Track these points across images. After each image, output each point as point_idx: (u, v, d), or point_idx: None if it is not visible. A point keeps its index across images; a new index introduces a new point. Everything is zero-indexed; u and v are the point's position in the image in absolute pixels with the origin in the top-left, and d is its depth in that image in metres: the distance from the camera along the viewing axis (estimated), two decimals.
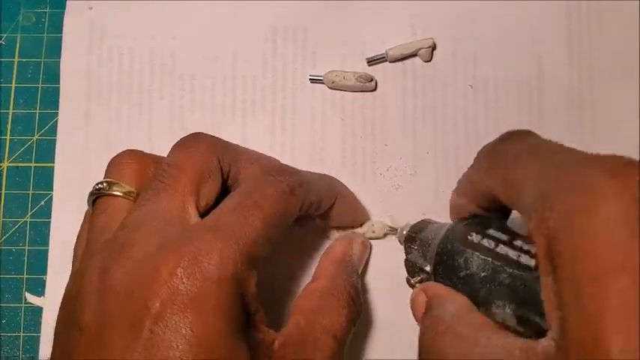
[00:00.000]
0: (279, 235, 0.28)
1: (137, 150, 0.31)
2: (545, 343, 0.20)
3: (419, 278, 0.30)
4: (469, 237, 0.27)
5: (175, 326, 0.23)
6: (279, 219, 0.28)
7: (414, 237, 0.32)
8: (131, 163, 0.30)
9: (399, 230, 0.34)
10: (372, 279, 0.36)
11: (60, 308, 0.27)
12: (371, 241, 0.36)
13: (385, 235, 0.36)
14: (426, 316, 0.27)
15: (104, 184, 0.29)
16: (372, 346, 0.35)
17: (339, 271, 0.32)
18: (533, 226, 0.21)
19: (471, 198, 0.28)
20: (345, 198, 0.34)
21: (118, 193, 0.29)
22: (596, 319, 0.18)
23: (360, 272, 0.34)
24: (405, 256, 0.32)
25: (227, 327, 0.24)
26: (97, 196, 0.30)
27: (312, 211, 0.31)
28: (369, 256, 0.36)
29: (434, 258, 0.29)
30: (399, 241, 0.34)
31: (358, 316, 0.31)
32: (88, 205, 0.30)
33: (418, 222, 0.33)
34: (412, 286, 0.31)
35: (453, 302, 0.27)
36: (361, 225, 0.36)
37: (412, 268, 0.31)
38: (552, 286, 0.20)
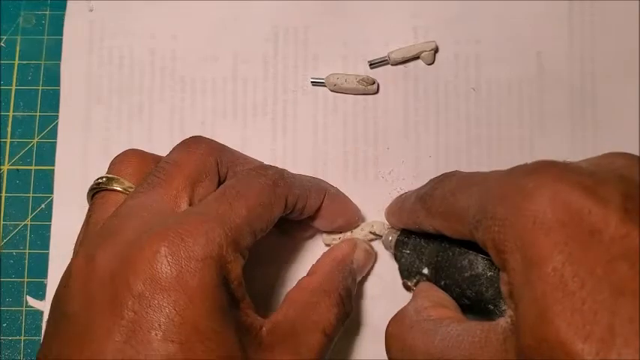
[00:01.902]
0: (265, 228, 0.29)
1: (139, 149, 0.32)
2: (503, 323, 0.22)
3: (415, 281, 0.31)
4: None
5: (158, 305, 0.23)
6: (263, 209, 0.28)
7: (405, 241, 0.32)
8: (132, 161, 0.31)
9: (383, 237, 0.34)
10: (372, 278, 0.36)
11: (52, 299, 0.27)
12: (371, 242, 0.35)
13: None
14: (396, 313, 0.28)
15: (104, 179, 0.30)
16: (368, 346, 0.35)
17: (335, 271, 0.32)
18: (481, 236, 0.23)
19: (414, 229, 0.31)
20: (335, 197, 0.34)
21: (116, 188, 0.29)
22: (541, 296, 0.20)
23: (358, 279, 0.34)
24: (394, 261, 0.32)
25: (212, 307, 0.24)
26: (96, 192, 0.30)
27: (299, 210, 0.31)
28: (372, 266, 0.35)
29: (434, 260, 0.29)
30: (385, 247, 0.34)
31: (346, 318, 0.31)
32: (88, 200, 0.30)
33: (403, 229, 0.33)
34: (409, 288, 0.31)
35: (420, 298, 0.28)
36: (356, 227, 0.35)
37: (408, 272, 0.31)
38: (506, 278, 0.22)
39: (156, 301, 0.23)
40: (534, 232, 0.20)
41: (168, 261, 0.24)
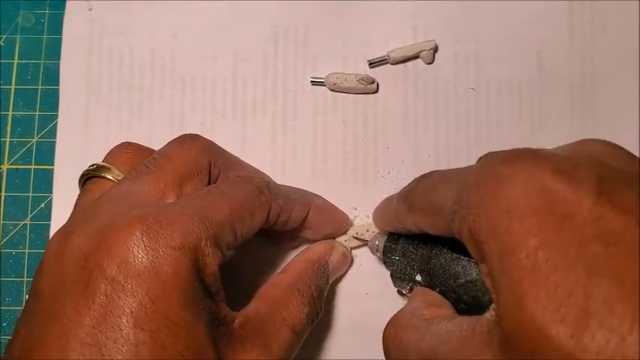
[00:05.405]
0: (246, 233, 0.28)
1: (137, 143, 0.32)
2: (488, 316, 0.22)
3: (408, 287, 0.30)
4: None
5: (131, 291, 0.23)
6: (245, 212, 0.28)
7: (393, 247, 0.31)
8: (127, 152, 0.31)
9: (370, 242, 0.34)
10: (372, 277, 0.35)
11: None
12: (358, 247, 0.36)
13: None
14: (393, 316, 0.28)
15: (95, 166, 0.30)
16: (367, 345, 0.35)
17: (309, 270, 0.32)
18: (457, 226, 0.23)
19: (399, 229, 0.31)
20: (320, 209, 0.34)
21: (107, 176, 0.29)
22: (517, 283, 0.19)
23: (330, 281, 0.34)
24: (384, 267, 0.32)
25: (185, 298, 0.24)
26: (87, 178, 0.30)
27: (283, 222, 0.31)
28: (348, 269, 0.36)
29: (426, 267, 0.29)
30: (372, 252, 0.34)
31: (316, 317, 0.31)
32: (79, 186, 0.30)
33: (389, 235, 0.32)
34: (403, 295, 0.31)
35: (415, 299, 0.28)
36: (345, 233, 0.35)
37: (400, 279, 0.31)
38: (485, 269, 0.22)
39: (129, 287, 0.23)
40: (508, 219, 0.20)
41: (144, 245, 0.24)
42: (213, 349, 0.25)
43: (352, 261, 0.36)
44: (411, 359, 0.25)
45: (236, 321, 0.27)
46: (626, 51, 0.37)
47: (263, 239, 0.34)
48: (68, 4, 0.39)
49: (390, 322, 0.28)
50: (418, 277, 0.30)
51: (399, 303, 0.34)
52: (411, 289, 0.30)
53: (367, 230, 0.35)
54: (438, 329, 0.24)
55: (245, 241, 0.29)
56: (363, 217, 0.36)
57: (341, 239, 0.35)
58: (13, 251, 0.37)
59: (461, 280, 0.27)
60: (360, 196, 0.36)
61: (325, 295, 0.33)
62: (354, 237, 0.35)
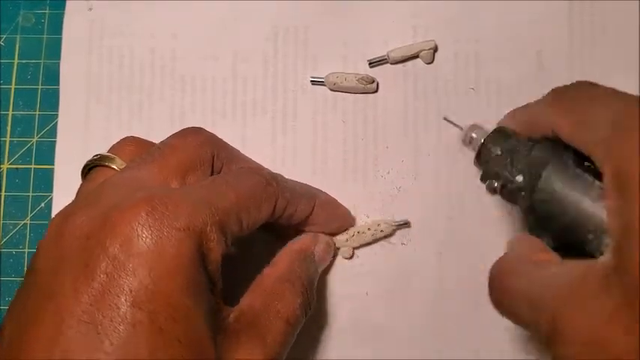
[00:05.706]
0: (252, 224, 0.28)
1: (139, 137, 0.32)
2: (604, 259, 0.21)
3: (501, 183, 0.28)
4: (585, 163, 0.25)
5: (132, 270, 0.23)
6: (251, 203, 0.28)
7: (497, 142, 0.29)
8: (130, 145, 0.31)
9: (465, 130, 0.32)
10: (371, 276, 0.36)
11: None
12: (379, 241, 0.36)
13: (394, 231, 0.36)
14: (497, 260, 0.27)
15: (99, 156, 0.30)
16: (362, 347, 0.35)
17: (297, 261, 0.32)
18: (602, 153, 0.22)
19: (524, 128, 0.29)
20: (325, 205, 0.34)
21: (110, 166, 0.29)
22: None
23: (319, 271, 0.34)
24: (476, 163, 0.30)
25: (187, 282, 0.24)
26: (90, 168, 0.30)
27: (288, 216, 0.31)
28: (333, 260, 0.36)
29: (535, 171, 0.27)
30: (463, 143, 0.32)
31: (309, 308, 0.31)
32: (82, 177, 0.30)
33: (498, 128, 0.30)
34: (495, 190, 0.29)
35: (521, 245, 0.27)
36: (346, 231, 0.35)
37: (492, 175, 0.29)
38: (620, 209, 0.20)
39: (130, 265, 0.23)
40: None
41: (149, 225, 0.23)
42: (211, 341, 0.24)
43: (336, 253, 0.35)
44: (518, 304, 0.24)
45: (231, 315, 0.27)
46: (626, 51, 0.37)
47: (267, 235, 0.34)
48: (68, 4, 0.39)
49: (494, 264, 0.27)
50: (519, 178, 0.27)
51: (400, 303, 0.34)
52: (502, 187, 0.28)
53: (368, 229, 0.35)
54: (546, 274, 0.24)
55: (250, 234, 0.29)
56: (362, 217, 0.36)
57: (342, 238, 0.35)
58: (13, 251, 0.37)
59: (574, 199, 0.25)
60: (360, 196, 0.36)
61: (316, 284, 0.32)
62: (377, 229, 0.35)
